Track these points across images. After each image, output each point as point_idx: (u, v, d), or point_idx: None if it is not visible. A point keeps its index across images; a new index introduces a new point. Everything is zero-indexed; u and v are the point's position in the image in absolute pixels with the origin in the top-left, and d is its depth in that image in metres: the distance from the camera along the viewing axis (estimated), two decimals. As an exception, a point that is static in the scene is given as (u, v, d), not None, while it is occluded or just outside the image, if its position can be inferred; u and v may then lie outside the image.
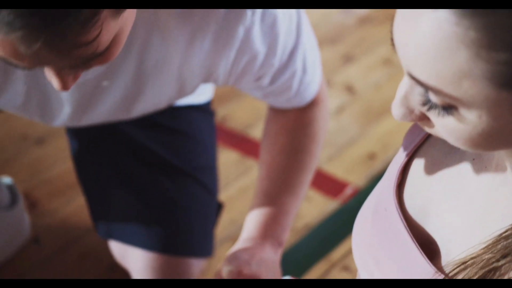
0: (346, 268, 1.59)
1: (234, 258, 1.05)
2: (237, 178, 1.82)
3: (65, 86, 0.77)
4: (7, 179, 1.53)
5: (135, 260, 1.33)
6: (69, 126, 1.23)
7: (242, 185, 1.80)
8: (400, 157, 0.84)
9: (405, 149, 0.84)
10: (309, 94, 1.14)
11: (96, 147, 1.35)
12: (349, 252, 1.63)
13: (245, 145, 1.94)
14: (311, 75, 1.12)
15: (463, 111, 0.60)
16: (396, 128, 2.03)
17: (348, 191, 1.80)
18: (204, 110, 1.40)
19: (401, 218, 0.79)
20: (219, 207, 1.43)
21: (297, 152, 1.15)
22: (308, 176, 1.17)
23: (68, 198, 1.70)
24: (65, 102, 1.03)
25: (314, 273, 1.56)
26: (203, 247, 1.37)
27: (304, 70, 1.09)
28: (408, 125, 0.87)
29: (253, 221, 1.11)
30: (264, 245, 1.07)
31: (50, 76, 0.76)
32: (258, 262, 1.04)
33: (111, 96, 1.03)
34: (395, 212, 0.80)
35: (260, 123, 2.04)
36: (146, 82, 1.02)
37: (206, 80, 1.06)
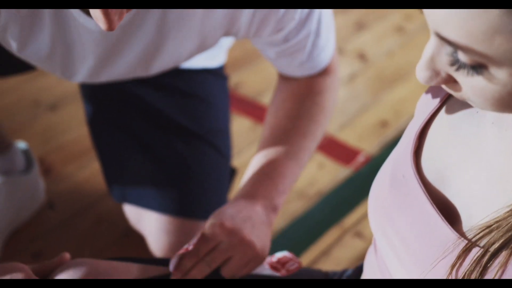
0: (359, 234, 1.59)
1: (219, 212, 1.02)
2: (249, 145, 1.82)
3: (111, 26, 0.76)
4: (22, 144, 1.54)
5: (150, 223, 1.34)
6: (88, 83, 1.23)
7: (254, 152, 1.79)
8: (417, 122, 0.83)
9: (421, 114, 0.84)
10: (321, 61, 1.13)
11: (111, 111, 1.35)
12: (361, 219, 1.63)
13: (257, 112, 1.94)
14: (325, 40, 1.11)
15: (493, 70, 0.59)
16: (408, 95, 2.03)
17: (360, 159, 1.80)
18: (218, 74, 1.40)
19: (419, 184, 0.78)
20: (232, 172, 1.44)
21: (303, 118, 1.13)
22: (312, 144, 1.14)
23: (81, 163, 1.71)
24: (89, 55, 1.03)
25: (326, 239, 1.57)
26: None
27: (317, 33, 1.08)
28: (421, 92, 0.86)
29: (248, 179, 1.07)
30: (254, 204, 1.03)
31: (96, 17, 0.75)
32: (244, 218, 1.00)
33: (133, 49, 1.03)
34: (413, 178, 0.79)
35: (272, 90, 2.03)
36: (168, 35, 1.01)
37: (227, 32, 1.05)
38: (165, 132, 1.33)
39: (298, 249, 1.54)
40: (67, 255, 0.95)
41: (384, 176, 0.85)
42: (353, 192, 1.71)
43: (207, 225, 0.99)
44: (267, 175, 1.06)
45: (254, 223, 1.00)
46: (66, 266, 0.94)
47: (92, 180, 1.66)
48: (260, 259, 0.99)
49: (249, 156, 1.77)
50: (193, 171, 1.33)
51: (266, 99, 1.99)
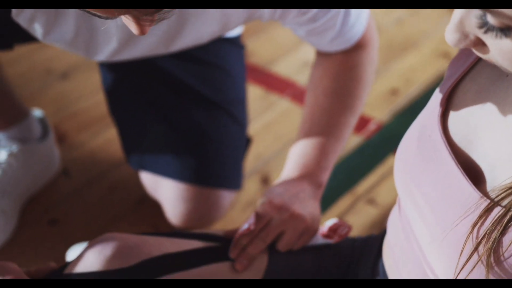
0: (371, 201, 1.61)
1: (268, 191, 1.06)
2: (261, 114, 1.82)
3: (143, 31, 0.77)
4: (38, 112, 1.54)
5: (167, 191, 1.35)
6: (108, 61, 1.24)
7: (267, 120, 1.80)
8: (445, 85, 0.84)
9: (450, 77, 0.84)
10: (353, 36, 1.13)
11: (129, 79, 1.36)
12: (374, 186, 1.65)
13: (268, 81, 1.94)
14: (355, 16, 1.10)
15: None
16: (418, 64, 2.03)
17: (371, 126, 1.81)
18: (236, 43, 1.40)
19: (445, 145, 0.79)
20: (247, 141, 1.44)
21: (340, 94, 1.15)
22: (352, 119, 1.16)
23: (95, 131, 1.71)
24: (112, 39, 1.04)
25: (339, 206, 1.58)
26: (234, 179, 1.39)
27: (347, 11, 1.07)
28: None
29: (292, 162, 1.11)
30: (300, 182, 1.07)
31: (129, 23, 0.76)
32: (291, 195, 1.04)
33: (155, 33, 1.03)
34: (439, 139, 0.80)
35: (283, 58, 2.03)
36: (189, 18, 1.01)
37: (250, 18, 1.05)
38: (184, 100, 1.34)
39: (311, 216, 1.55)
40: (54, 264, 0.97)
41: (411, 136, 0.86)
42: (365, 159, 1.71)
43: (258, 204, 1.03)
44: (310, 155, 1.10)
45: (301, 199, 1.03)
46: (96, 241, 0.94)
47: (106, 148, 1.67)
48: (312, 231, 1.02)
49: (261, 125, 1.78)
50: (211, 139, 1.34)
51: (277, 67, 1.99)
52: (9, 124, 1.39)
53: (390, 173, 1.68)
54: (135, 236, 0.95)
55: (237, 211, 1.54)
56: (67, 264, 0.94)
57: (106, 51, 1.07)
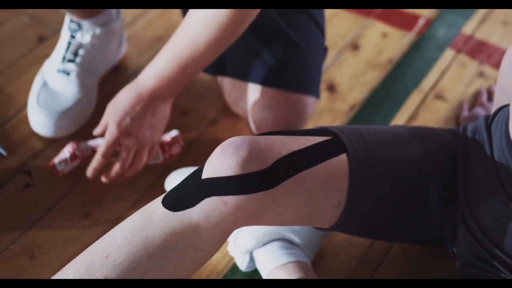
0: (439, 96, 1.57)
1: (115, 106, 1.25)
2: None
3: None
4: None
5: (252, 99, 1.31)
6: None
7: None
8: None
9: None
10: None
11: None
12: (439, 80, 1.61)
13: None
14: None
15: None
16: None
17: (421, 22, 1.76)
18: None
19: None
20: (325, 49, 1.40)
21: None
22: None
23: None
24: None
25: (410, 105, 1.54)
26: (316, 87, 1.35)
27: None
28: None
29: (150, 68, 1.21)
30: (151, 97, 1.22)
31: None
32: (138, 117, 1.23)
33: None
34: None
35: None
36: None
37: None
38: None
39: (384, 119, 1.51)
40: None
41: None
42: (425, 55, 1.67)
43: (105, 118, 1.25)
44: (167, 66, 1.18)
45: (148, 117, 1.22)
46: (226, 144, 0.90)
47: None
48: (154, 148, 1.27)
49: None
50: (296, 44, 1.29)
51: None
52: (96, 13, 1.42)
53: (450, 66, 1.64)
54: (262, 137, 0.93)
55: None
56: (201, 169, 0.90)
57: None
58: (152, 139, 1.25)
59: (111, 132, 1.22)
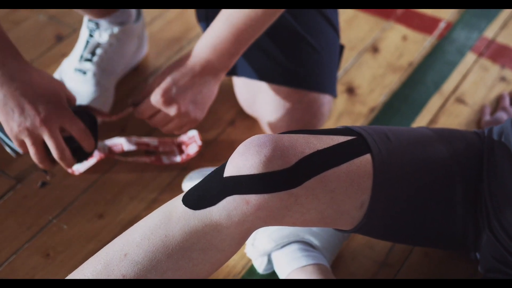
0: (460, 100, 1.55)
1: (164, 73, 1.21)
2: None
3: None
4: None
5: (267, 99, 1.29)
6: None
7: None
8: None
9: None
10: None
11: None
12: (459, 83, 1.58)
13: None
14: None
15: None
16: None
17: (442, 26, 1.74)
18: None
19: None
20: (341, 48, 1.37)
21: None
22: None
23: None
24: None
25: (430, 108, 1.52)
26: (333, 86, 1.33)
27: None
28: None
29: (204, 40, 1.18)
30: (202, 72, 1.18)
31: None
32: (185, 88, 1.19)
33: None
34: None
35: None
36: None
37: None
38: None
39: (404, 122, 1.49)
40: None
41: None
42: (446, 58, 1.65)
43: (150, 86, 1.21)
44: (223, 37, 1.15)
45: (194, 91, 1.18)
46: (249, 142, 0.89)
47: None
48: (193, 124, 1.22)
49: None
50: (310, 43, 1.27)
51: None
52: (112, 11, 1.41)
53: (471, 70, 1.62)
54: (286, 135, 0.91)
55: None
56: (223, 167, 0.88)
57: None
58: (194, 117, 1.20)
59: (155, 97, 1.18)
